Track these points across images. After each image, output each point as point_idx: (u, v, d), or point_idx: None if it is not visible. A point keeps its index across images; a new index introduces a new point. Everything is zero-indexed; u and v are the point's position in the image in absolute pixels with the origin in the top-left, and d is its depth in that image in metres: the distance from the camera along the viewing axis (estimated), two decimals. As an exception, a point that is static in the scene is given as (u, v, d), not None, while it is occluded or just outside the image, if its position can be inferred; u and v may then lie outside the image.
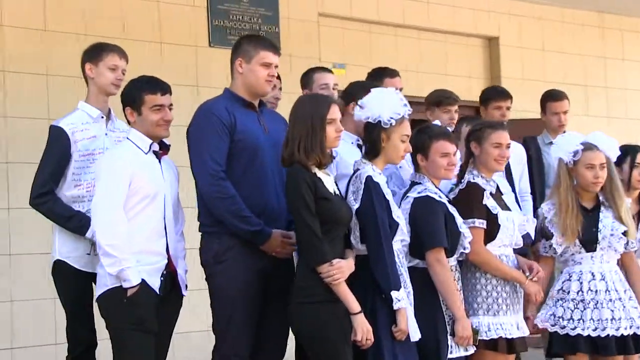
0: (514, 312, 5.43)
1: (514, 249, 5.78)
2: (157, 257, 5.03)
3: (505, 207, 5.50)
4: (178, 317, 5.27)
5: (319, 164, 4.83)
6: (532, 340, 6.25)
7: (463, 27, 10.73)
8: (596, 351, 5.60)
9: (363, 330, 4.74)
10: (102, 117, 5.46)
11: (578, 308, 5.61)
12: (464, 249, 5.26)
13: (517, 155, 7.08)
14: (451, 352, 5.13)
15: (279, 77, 6.26)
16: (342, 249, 4.87)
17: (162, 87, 5.11)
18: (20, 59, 7.74)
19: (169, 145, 5.21)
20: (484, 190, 5.43)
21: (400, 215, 5.05)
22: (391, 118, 5.02)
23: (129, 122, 5.16)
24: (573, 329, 5.58)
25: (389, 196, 5.01)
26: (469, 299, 5.37)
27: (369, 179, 4.96)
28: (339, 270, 4.72)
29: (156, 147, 5.11)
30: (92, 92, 5.49)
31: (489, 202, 5.40)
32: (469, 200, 5.39)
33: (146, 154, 5.06)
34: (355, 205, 4.94)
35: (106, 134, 5.44)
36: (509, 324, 5.37)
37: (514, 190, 6.84)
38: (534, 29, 11.26)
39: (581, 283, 5.64)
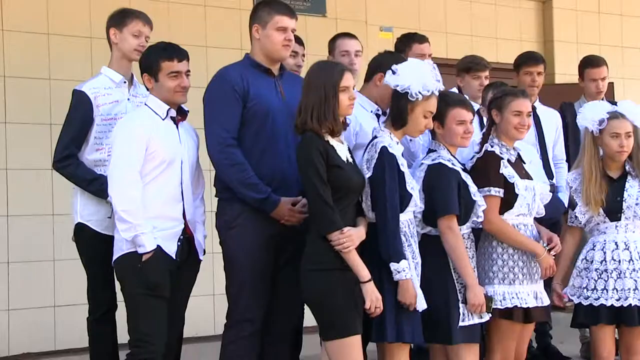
0: (532, 281, 5.38)
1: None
2: (174, 222, 5.10)
3: (525, 176, 5.45)
4: (195, 280, 5.36)
5: (332, 131, 4.83)
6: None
7: (516, -11, 10.60)
8: (619, 322, 5.55)
9: (372, 298, 4.75)
10: (125, 82, 5.53)
11: (602, 278, 5.54)
12: (478, 217, 5.24)
13: (551, 121, 7.03)
14: (463, 320, 5.13)
15: (302, 44, 6.26)
16: (354, 217, 4.88)
17: (178, 54, 5.13)
18: (65, 23, 7.87)
19: (187, 110, 5.26)
20: (501, 159, 5.39)
21: (414, 186, 5.03)
22: (419, 93, 5.00)
23: (147, 89, 5.21)
24: (596, 299, 5.51)
25: (404, 167, 4.99)
26: (485, 268, 5.35)
27: (384, 149, 4.95)
28: (349, 238, 4.73)
29: (173, 112, 5.15)
30: (115, 57, 5.56)
31: (506, 170, 5.35)
32: (486, 168, 5.35)
33: (163, 119, 5.11)
34: (368, 174, 4.95)
35: (128, 99, 5.51)
36: (525, 293, 5.33)
37: (545, 157, 6.79)
38: (589, -10, 11.06)
39: (604, 253, 5.56)
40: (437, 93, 5.08)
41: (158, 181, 5.04)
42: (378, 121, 5.45)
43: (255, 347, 5.21)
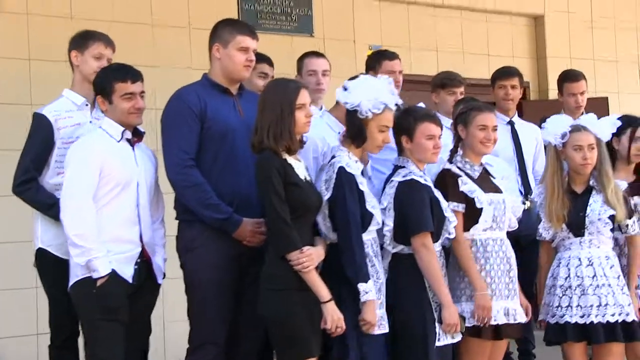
0: (502, 297, 5.27)
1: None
2: (130, 245, 5.01)
3: (492, 190, 5.35)
4: (155, 305, 5.26)
5: (289, 149, 4.77)
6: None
7: (507, 5, 10.47)
8: (586, 339, 5.47)
9: (334, 318, 4.67)
10: (87, 105, 5.46)
11: (566, 295, 5.49)
12: (449, 234, 5.15)
13: (530, 136, 6.97)
14: (439, 340, 5.03)
15: (272, 65, 6.19)
16: (311, 236, 4.82)
17: (132, 75, 5.06)
18: (46, 47, 7.84)
19: (143, 132, 5.20)
20: (459, 176, 5.29)
21: (375, 204, 4.96)
22: (369, 110, 4.93)
23: (101, 111, 5.14)
24: (562, 317, 5.47)
25: (363, 187, 4.92)
26: (453, 285, 5.24)
27: (341, 169, 4.88)
28: (309, 257, 4.67)
29: (129, 134, 5.09)
30: (77, 80, 5.51)
31: (465, 187, 5.27)
32: (443, 186, 5.26)
33: (118, 141, 5.04)
34: (327, 195, 4.88)
35: (90, 122, 5.42)
36: (494, 310, 5.21)
37: (524, 172, 6.72)
38: (581, 5, 10.93)
39: (569, 269, 5.52)
40: (392, 107, 5.00)
41: (113, 204, 4.96)
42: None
43: (219, 369, 5.11)
